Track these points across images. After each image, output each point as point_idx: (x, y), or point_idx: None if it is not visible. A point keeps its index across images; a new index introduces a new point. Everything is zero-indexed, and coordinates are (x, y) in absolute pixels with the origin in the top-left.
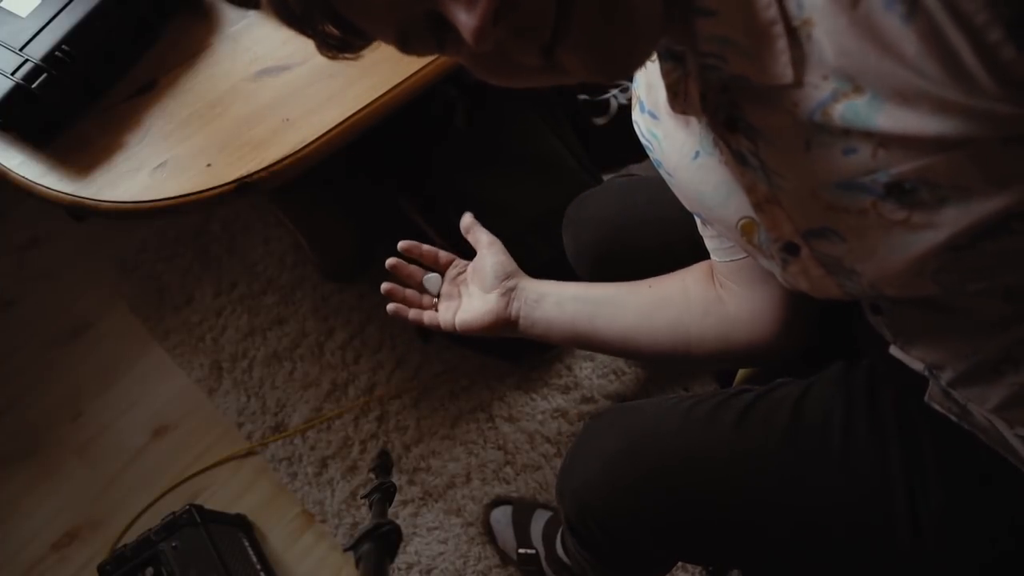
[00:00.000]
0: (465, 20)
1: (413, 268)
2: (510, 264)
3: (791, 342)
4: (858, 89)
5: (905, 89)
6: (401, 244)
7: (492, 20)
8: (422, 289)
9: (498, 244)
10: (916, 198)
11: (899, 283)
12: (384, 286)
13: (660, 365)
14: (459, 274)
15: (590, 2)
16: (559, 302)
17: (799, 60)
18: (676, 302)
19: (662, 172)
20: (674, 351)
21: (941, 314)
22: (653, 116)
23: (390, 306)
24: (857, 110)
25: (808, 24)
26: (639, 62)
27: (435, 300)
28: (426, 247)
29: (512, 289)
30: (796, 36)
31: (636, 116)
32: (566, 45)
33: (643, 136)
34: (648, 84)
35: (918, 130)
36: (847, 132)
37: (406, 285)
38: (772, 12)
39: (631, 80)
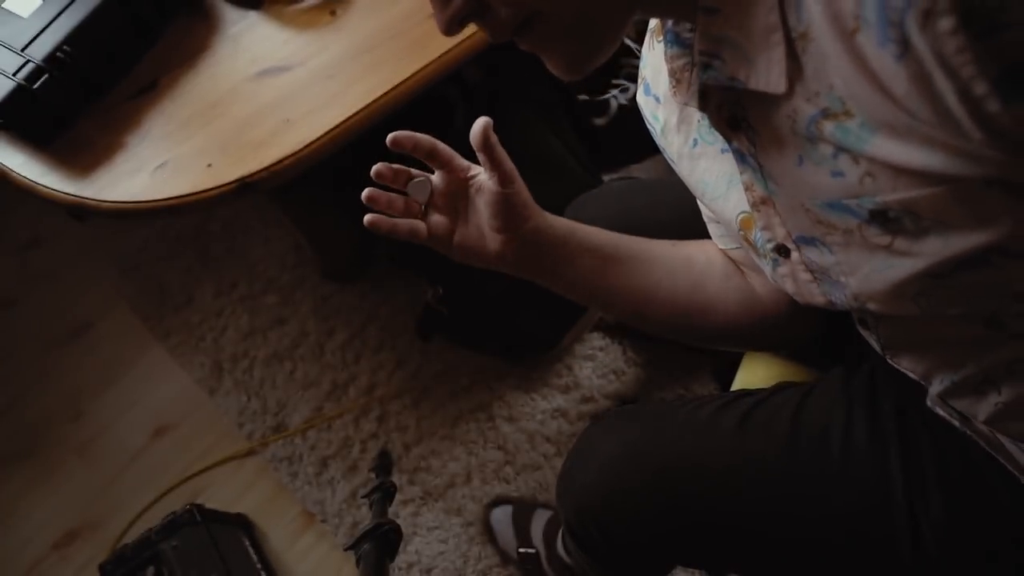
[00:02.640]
0: (438, 16)
1: (399, 169)
2: (526, 205)
3: (805, 322)
4: (848, 113)
5: (894, 122)
6: (391, 138)
7: (459, 21)
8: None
9: (516, 179)
10: (899, 226)
11: (882, 301)
12: (365, 193)
13: (666, 338)
14: (460, 183)
15: (550, 27)
16: (571, 258)
17: (795, 71)
18: (699, 263)
19: (666, 156)
20: (693, 315)
21: (924, 332)
22: (657, 100)
23: (367, 217)
24: (847, 132)
25: (805, 38)
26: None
27: (421, 207)
28: (422, 138)
29: (523, 235)
30: (793, 47)
31: (640, 98)
32: (525, 43)
33: (647, 119)
34: (654, 67)
35: (904, 162)
36: (837, 152)
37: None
38: (773, 18)
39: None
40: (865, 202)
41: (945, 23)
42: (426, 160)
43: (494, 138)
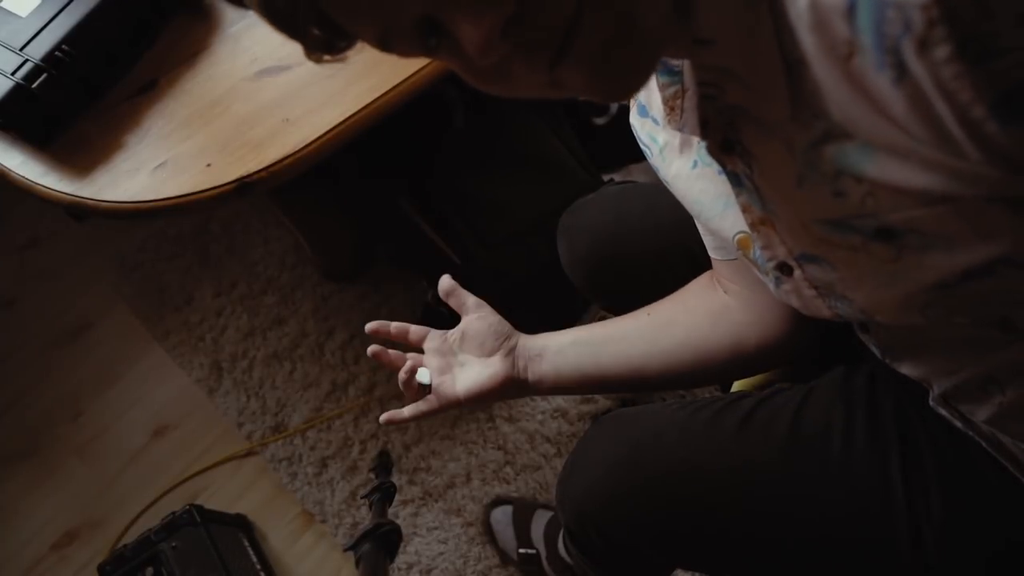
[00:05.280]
0: (470, 33)
1: (395, 355)
2: (503, 323)
3: (802, 338)
4: (847, 135)
5: (894, 144)
6: (368, 327)
7: (499, 34)
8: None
9: (486, 305)
10: (904, 242)
11: (889, 313)
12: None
13: (678, 389)
14: (443, 343)
15: (603, 21)
16: (560, 350)
17: (795, 95)
18: (680, 321)
19: (660, 176)
20: (689, 370)
21: (927, 337)
22: (655, 121)
23: (383, 418)
24: (847, 154)
25: (802, 63)
26: (641, 85)
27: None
28: (394, 327)
29: (513, 348)
30: (792, 72)
31: (634, 120)
32: (570, 62)
33: (641, 141)
34: (649, 88)
35: (905, 182)
36: (837, 174)
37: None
38: (771, 47)
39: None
40: (869, 220)
41: (941, 51)
42: (405, 342)
43: (454, 284)
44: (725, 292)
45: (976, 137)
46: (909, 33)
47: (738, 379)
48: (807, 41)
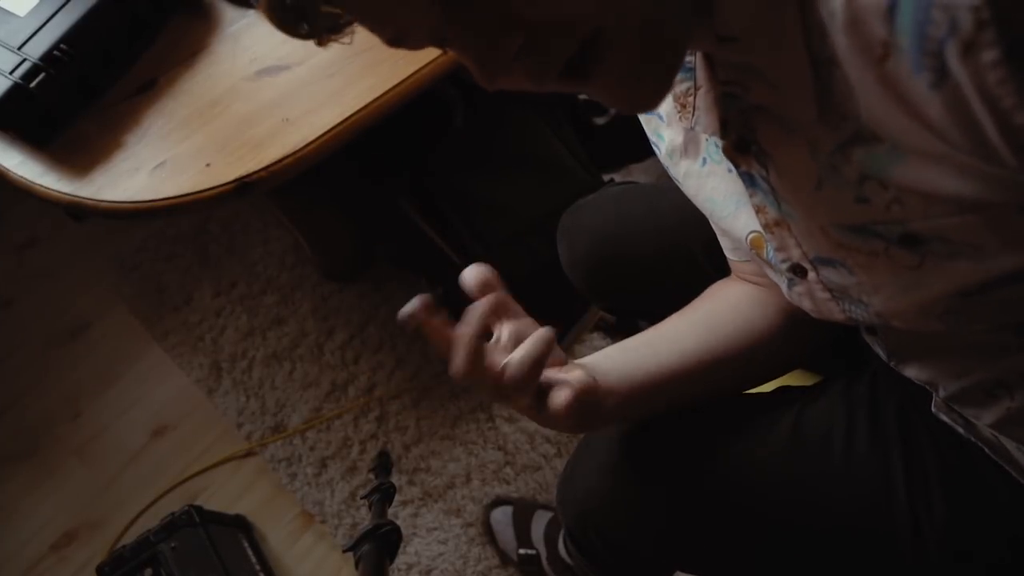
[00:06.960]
0: (475, 70)
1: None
2: None
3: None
4: (878, 138)
5: (926, 148)
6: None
7: (508, 66)
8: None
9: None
10: (929, 249)
11: (906, 319)
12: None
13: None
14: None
15: (627, 40)
16: (608, 357)
17: (822, 96)
18: (721, 310)
19: (671, 174)
20: (755, 356)
21: (939, 341)
22: (661, 118)
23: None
24: (876, 158)
25: (832, 63)
26: (664, 96)
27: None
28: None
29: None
30: (819, 71)
31: (641, 115)
32: (592, 83)
33: (651, 138)
34: None
35: (936, 188)
36: (862, 179)
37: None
38: (797, 44)
39: None
40: (894, 227)
41: (988, 55)
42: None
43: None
44: (754, 286)
45: (1015, 144)
46: (955, 35)
47: (797, 368)
48: (839, 41)
